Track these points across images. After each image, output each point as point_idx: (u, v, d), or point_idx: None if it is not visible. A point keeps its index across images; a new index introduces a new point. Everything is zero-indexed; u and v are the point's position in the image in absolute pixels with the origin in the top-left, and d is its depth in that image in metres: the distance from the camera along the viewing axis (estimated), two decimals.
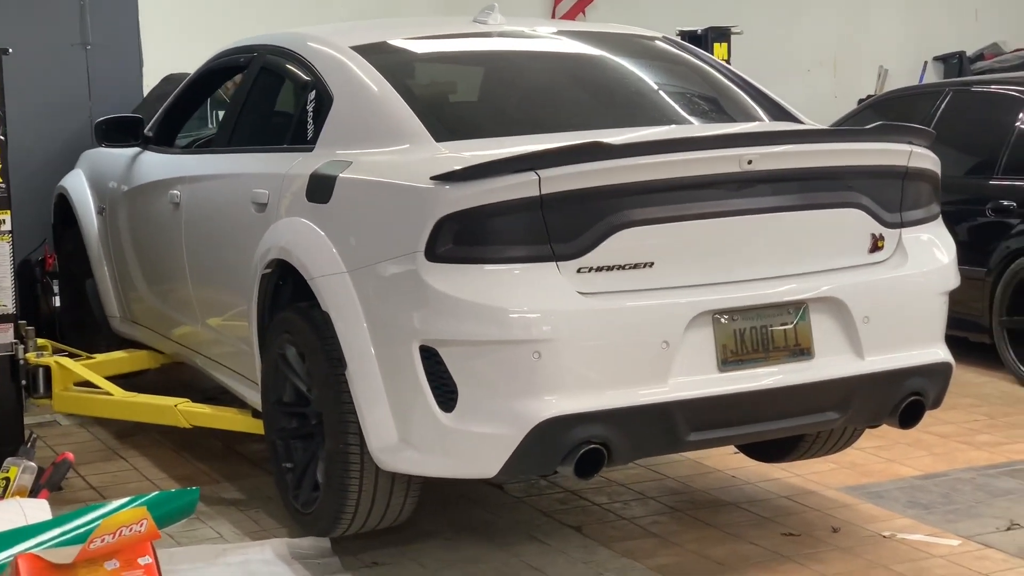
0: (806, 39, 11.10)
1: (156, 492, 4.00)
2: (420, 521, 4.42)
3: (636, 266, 3.60)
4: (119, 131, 5.62)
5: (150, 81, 7.69)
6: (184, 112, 5.83)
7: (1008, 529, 4.35)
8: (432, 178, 3.61)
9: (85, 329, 6.49)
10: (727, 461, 5.09)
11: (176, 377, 6.34)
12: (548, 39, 4.86)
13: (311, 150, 4.34)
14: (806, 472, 4.95)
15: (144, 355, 5.98)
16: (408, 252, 3.62)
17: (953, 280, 4.11)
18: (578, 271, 3.55)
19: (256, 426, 4.60)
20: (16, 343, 5.00)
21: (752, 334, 3.73)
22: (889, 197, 3.94)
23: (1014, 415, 5.89)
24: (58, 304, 6.94)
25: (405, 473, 3.87)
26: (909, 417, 4.00)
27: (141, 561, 3.22)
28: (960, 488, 4.82)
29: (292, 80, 4.84)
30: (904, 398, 3.95)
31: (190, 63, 5.80)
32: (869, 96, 10.00)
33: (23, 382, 5.14)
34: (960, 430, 5.61)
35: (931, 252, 4.05)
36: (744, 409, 3.77)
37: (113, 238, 5.98)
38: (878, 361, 3.87)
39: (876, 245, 3.94)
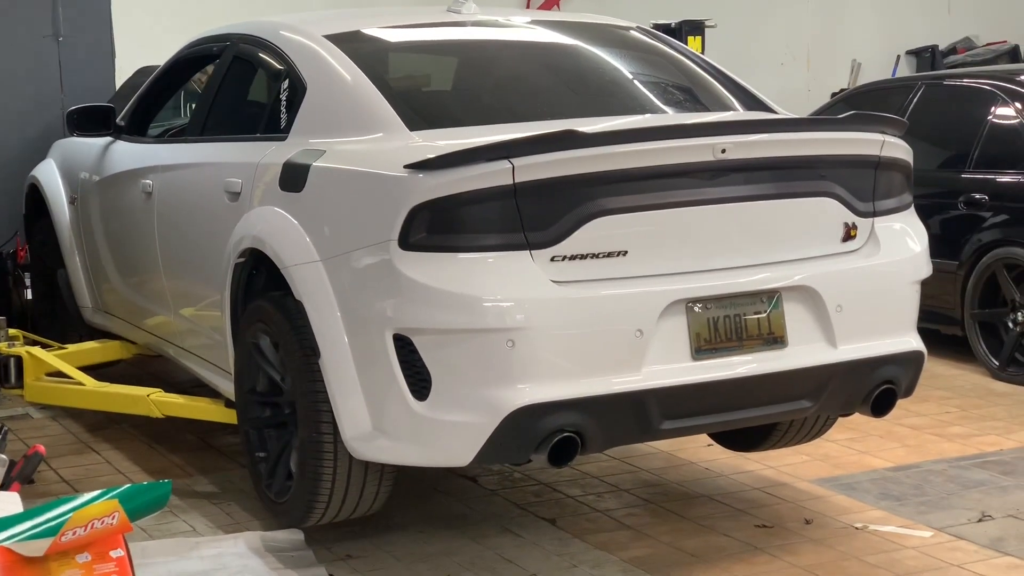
0: (779, 33, 11.15)
1: (128, 485, 3.98)
2: (394, 514, 4.42)
3: (610, 255, 3.61)
4: (91, 120, 5.60)
5: (123, 73, 7.65)
6: (156, 101, 5.80)
7: (979, 520, 4.38)
8: (406, 166, 3.61)
9: (57, 320, 6.46)
10: (701, 454, 5.11)
11: (148, 370, 6.32)
12: (522, 28, 4.86)
13: (284, 139, 4.33)
14: (779, 464, 4.97)
15: (116, 345, 5.96)
16: (381, 240, 3.62)
17: (925, 269, 4.14)
18: (552, 259, 3.55)
19: (229, 416, 4.59)
20: None
21: (726, 323, 3.75)
22: (862, 186, 3.96)
23: (985, 407, 5.93)
24: (30, 297, 6.91)
25: (378, 462, 3.87)
26: (881, 405, 4.02)
27: (113, 554, 3.21)
28: (932, 480, 4.85)
29: (265, 69, 4.82)
30: (877, 386, 3.97)
31: (162, 55, 5.77)
32: (842, 90, 10.05)
33: None
34: (932, 422, 5.65)
35: (903, 241, 4.07)
36: (717, 397, 3.79)
37: (85, 228, 5.95)
38: (851, 350, 3.88)
39: (849, 234, 3.96)
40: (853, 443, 5.29)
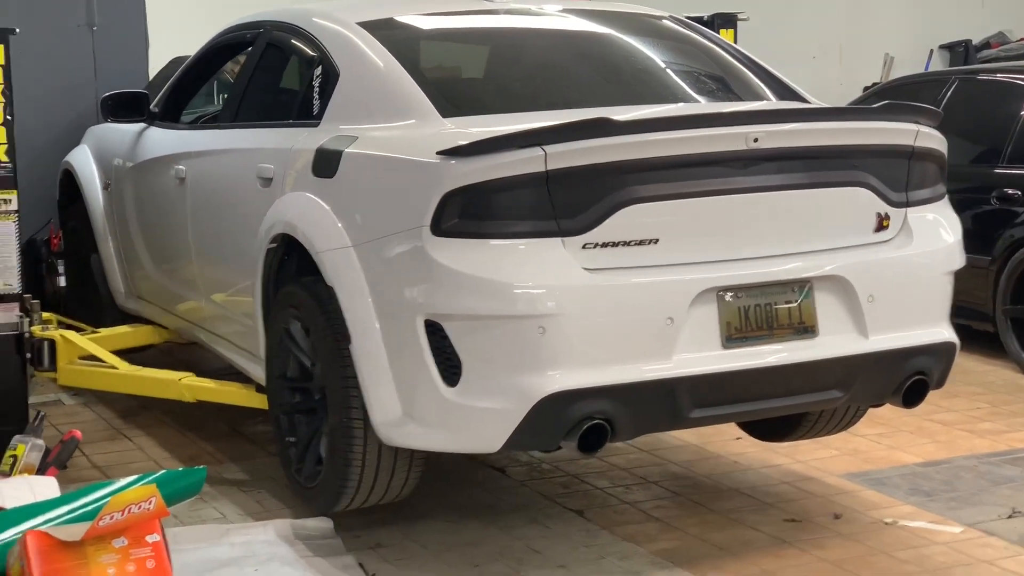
0: (812, 26, 11.10)
1: (164, 471, 4.02)
2: (423, 504, 4.43)
3: (641, 242, 3.61)
4: (125, 107, 5.63)
5: (156, 63, 7.69)
6: (190, 88, 5.83)
7: (1010, 517, 4.36)
8: (438, 153, 3.62)
9: (90, 305, 6.51)
10: (729, 447, 5.11)
11: (180, 358, 6.36)
12: (555, 16, 4.86)
13: (317, 125, 4.34)
14: (808, 458, 4.97)
15: (148, 330, 6.00)
16: (413, 227, 3.63)
17: (959, 260, 4.12)
18: (583, 247, 3.56)
19: (260, 401, 4.62)
20: (22, 316, 5.02)
21: (756, 312, 3.74)
22: (895, 176, 3.95)
23: (1017, 403, 5.90)
24: (63, 284, 6.96)
25: (408, 448, 3.89)
26: (913, 397, 4.01)
27: (149, 539, 3.24)
28: (962, 476, 4.83)
29: (298, 56, 4.84)
30: (908, 377, 3.96)
31: (196, 45, 5.79)
32: (874, 84, 10.00)
33: (28, 355, 5.16)
34: (963, 418, 5.63)
35: (937, 231, 4.05)
36: (747, 386, 3.78)
37: (118, 214, 6.00)
38: (882, 340, 3.87)
39: (881, 224, 3.95)
40: (883, 438, 5.27)
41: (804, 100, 4.47)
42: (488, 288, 3.53)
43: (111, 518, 3.15)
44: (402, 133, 4.01)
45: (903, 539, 4.18)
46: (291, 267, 4.34)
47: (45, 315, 5.61)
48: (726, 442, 5.14)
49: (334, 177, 4.03)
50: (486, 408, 3.58)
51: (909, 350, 3.93)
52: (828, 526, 4.30)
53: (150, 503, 3.19)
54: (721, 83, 4.62)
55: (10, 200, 5.02)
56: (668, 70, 4.66)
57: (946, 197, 4.17)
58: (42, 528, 3.29)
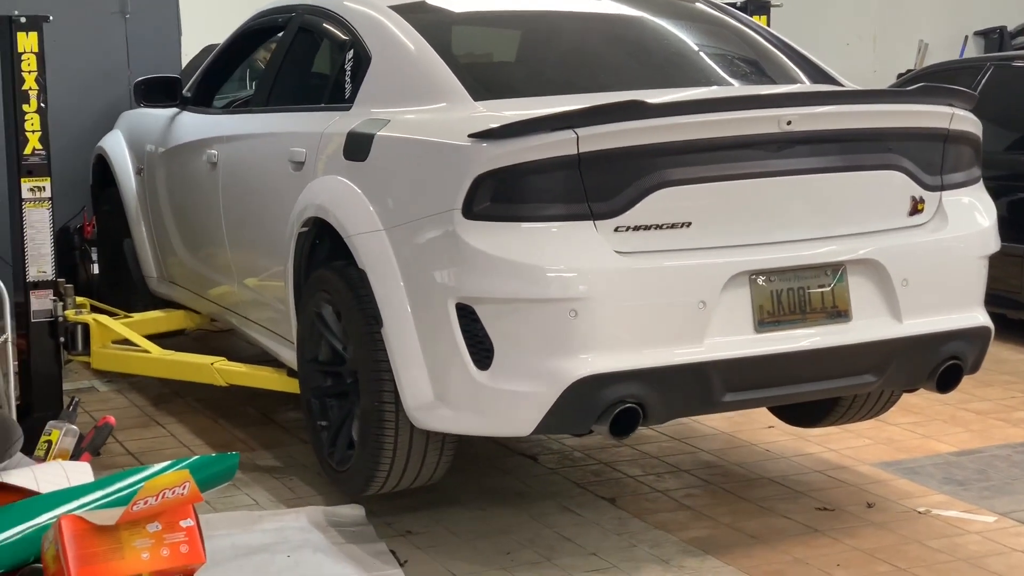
0: (846, 13, 11.01)
1: (197, 456, 4.04)
2: (454, 491, 4.44)
3: (673, 226, 3.60)
4: (158, 91, 5.66)
5: (188, 50, 7.71)
6: (222, 73, 5.84)
7: None
8: (470, 136, 3.61)
9: (122, 289, 6.55)
10: (760, 435, 5.09)
11: (212, 345, 6.39)
12: (587, 0, 4.85)
13: (348, 109, 4.35)
14: (840, 447, 4.94)
15: (181, 315, 6.03)
16: (446, 210, 3.63)
17: (993, 244, 4.09)
18: (615, 230, 3.55)
19: (291, 385, 4.63)
20: (55, 300, 5.06)
21: (789, 295, 3.73)
22: (930, 159, 3.92)
23: None
24: (96, 271, 7.00)
25: (440, 431, 3.89)
26: (947, 381, 3.98)
27: (183, 524, 3.25)
28: (996, 465, 4.79)
29: (330, 39, 4.85)
30: (942, 362, 3.93)
31: (228, 33, 5.81)
32: (908, 71, 9.92)
33: (61, 339, 5.20)
34: (997, 407, 5.58)
35: (972, 215, 4.02)
36: (780, 370, 3.77)
37: (151, 198, 6.02)
38: (916, 324, 3.85)
39: (916, 208, 3.92)
40: (916, 427, 5.24)
41: (838, 83, 4.44)
42: (520, 271, 3.53)
43: (145, 503, 3.16)
44: (434, 116, 4.01)
45: (936, 528, 4.15)
46: (323, 251, 4.34)
47: (78, 300, 5.64)
48: (758, 430, 5.12)
49: (366, 160, 4.03)
50: (518, 392, 3.57)
51: (943, 334, 3.90)
52: (860, 515, 4.28)
53: (184, 488, 3.20)
54: (754, 66, 4.60)
55: (44, 187, 5.05)
56: (701, 53, 4.64)
57: (981, 181, 4.14)
58: (77, 513, 3.31)
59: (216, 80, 5.82)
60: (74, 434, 4.42)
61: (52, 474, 3.81)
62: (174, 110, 5.77)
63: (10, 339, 4.87)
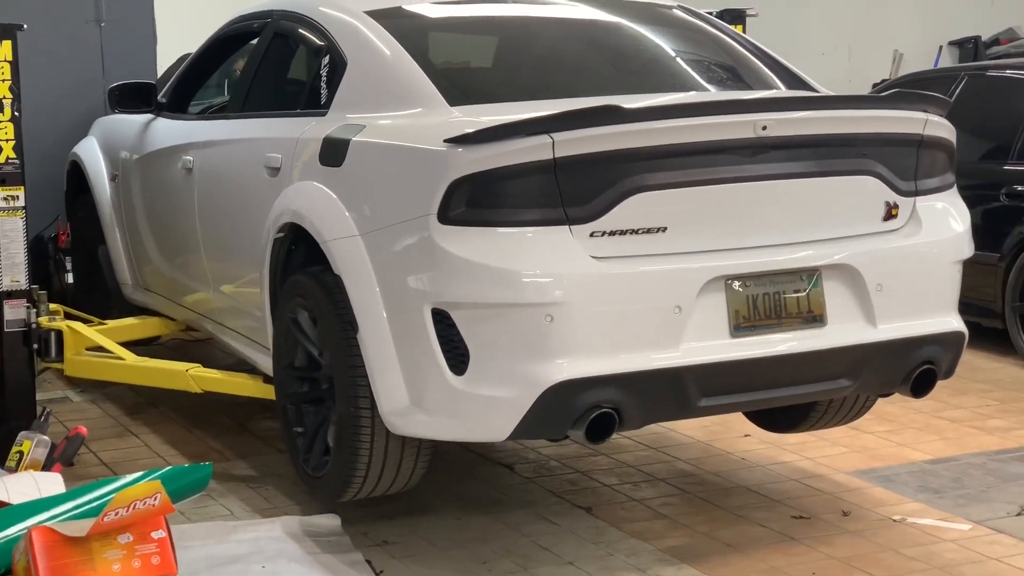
0: (821, 22, 11.07)
1: (169, 467, 4.02)
2: (430, 500, 4.43)
3: (649, 231, 3.60)
4: (133, 97, 5.64)
5: (164, 59, 7.69)
6: (197, 79, 5.82)
7: (1019, 514, 4.34)
8: (445, 141, 3.61)
9: (97, 296, 6.51)
10: (737, 444, 5.10)
11: (188, 354, 6.35)
12: (564, 5, 4.86)
13: (324, 114, 4.34)
14: (816, 455, 4.95)
15: (155, 322, 6.00)
16: (421, 215, 3.62)
17: (967, 249, 4.10)
18: (591, 235, 3.55)
19: (267, 391, 4.61)
20: (28, 307, 5.02)
21: (765, 300, 3.73)
22: (904, 165, 3.94)
23: None
24: (71, 281, 6.96)
25: (415, 437, 3.88)
26: (921, 386, 3.99)
27: (154, 535, 3.24)
28: (971, 473, 4.81)
29: (306, 45, 4.84)
30: (917, 367, 3.94)
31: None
32: (883, 80, 9.97)
33: (35, 346, 5.16)
34: (972, 415, 5.61)
35: (945, 221, 4.04)
36: (756, 375, 3.77)
37: (126, 205, 6.00)
38: (891, 329, 3.86)
39: (890, 213, 3.93)
40: (891, 435, 5.26)
41: (813, 89, 4.46)
42: (496, 276, 3.52)
43: (116, 514, 3.15)
44: (409, 121, 4.00)
45: (911, 536, 4.16)
46: (299, 256, 4.33)
47: (52, 306, 5.61)
48: (734, 439, 5.13)
49: (341, 166, 4.03)
50: (494, 397, 3.57)
51: (918, 339, 3.92)
52: (836, 523, 4.28)
53: (155, 499, 3.18)
54: (730, 72, 4.61)
55: (18, 196, 5.01)
56: (677, 59, 4.65)
57: (955, 186, 4.16)
58: (48, 524, 3.29)
59: (191, 86, 5.80)
60: (46, 445, 4.39)
61: (23, 485, 3.79)
62: (149, 116, 5.75)
63: None
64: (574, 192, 3.53)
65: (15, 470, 4.27)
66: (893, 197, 3.92)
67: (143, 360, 5.31)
